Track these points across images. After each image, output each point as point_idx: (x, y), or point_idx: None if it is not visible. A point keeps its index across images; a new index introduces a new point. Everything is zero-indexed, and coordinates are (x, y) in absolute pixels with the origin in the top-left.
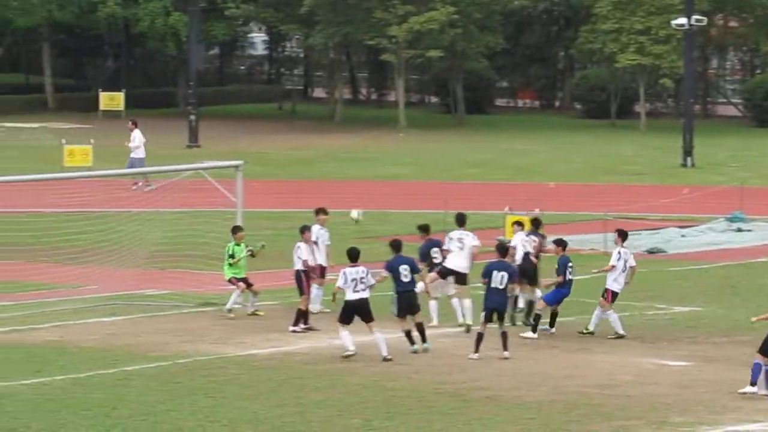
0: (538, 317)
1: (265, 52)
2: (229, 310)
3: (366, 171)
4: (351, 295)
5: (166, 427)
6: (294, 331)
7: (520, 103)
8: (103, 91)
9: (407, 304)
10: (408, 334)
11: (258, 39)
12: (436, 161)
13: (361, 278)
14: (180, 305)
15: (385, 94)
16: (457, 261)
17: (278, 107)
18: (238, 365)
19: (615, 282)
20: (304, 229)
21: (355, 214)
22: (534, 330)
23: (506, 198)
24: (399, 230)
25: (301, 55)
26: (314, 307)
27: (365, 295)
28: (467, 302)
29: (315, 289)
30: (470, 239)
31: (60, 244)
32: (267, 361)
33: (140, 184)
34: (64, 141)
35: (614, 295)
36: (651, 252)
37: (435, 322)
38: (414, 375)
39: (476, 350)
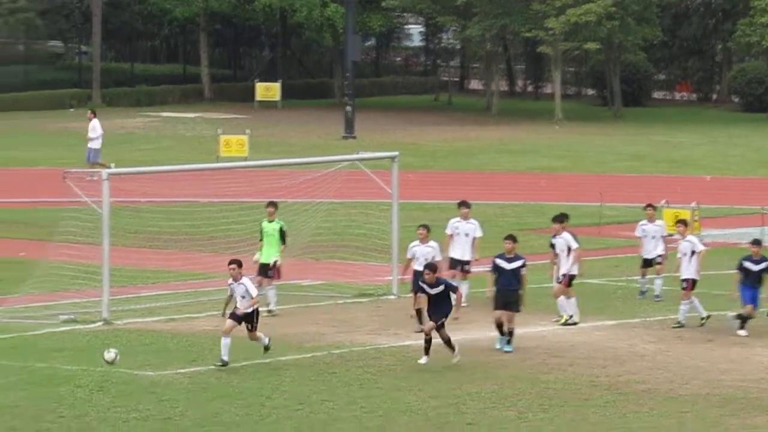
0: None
1: (422, 44)
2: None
3: (522, 163)
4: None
5: (321, 417)
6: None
7: (677, 96)
8: (259, 81)
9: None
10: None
11: (414, 30)
12: (592, 154)
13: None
14: (335, 296)
15: (542, 86)
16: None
17: (434, 98)
18: (393, 356)
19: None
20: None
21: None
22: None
23: (662, 192)
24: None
25: (458, 47)
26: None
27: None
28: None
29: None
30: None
31: (216, 234)
32: (422, 352)
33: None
34: (220, 131)
35: (695, 283)
36: None
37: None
38: (569, 367)
39: None
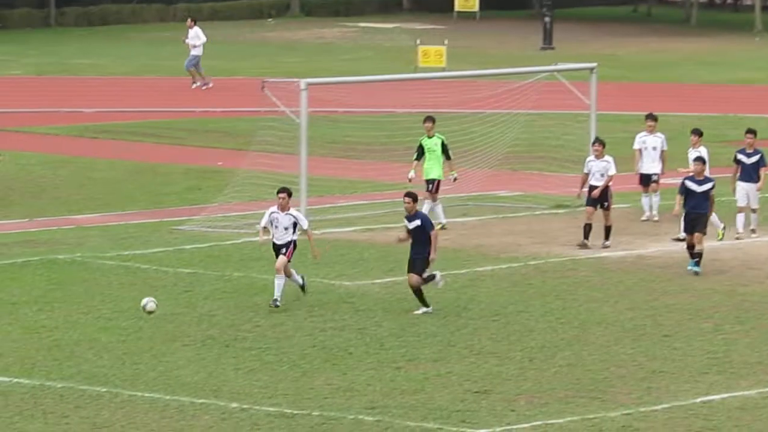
0: None
1: None
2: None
3: (720, 75)
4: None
5: (517, 327)
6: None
7: None
8: None
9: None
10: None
11: None
12: None
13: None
14: (532, 207)
15: None
16: None
17: (633, 10)
18: (589, 267)
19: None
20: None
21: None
22: None
23: None
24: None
25: None
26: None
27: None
28: None
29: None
30: None
31: (412, 144)
32: (618, 264)
33: (199, 83)
34: (418, 41)
35: None
36: None
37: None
38: (766, 280)
39: None
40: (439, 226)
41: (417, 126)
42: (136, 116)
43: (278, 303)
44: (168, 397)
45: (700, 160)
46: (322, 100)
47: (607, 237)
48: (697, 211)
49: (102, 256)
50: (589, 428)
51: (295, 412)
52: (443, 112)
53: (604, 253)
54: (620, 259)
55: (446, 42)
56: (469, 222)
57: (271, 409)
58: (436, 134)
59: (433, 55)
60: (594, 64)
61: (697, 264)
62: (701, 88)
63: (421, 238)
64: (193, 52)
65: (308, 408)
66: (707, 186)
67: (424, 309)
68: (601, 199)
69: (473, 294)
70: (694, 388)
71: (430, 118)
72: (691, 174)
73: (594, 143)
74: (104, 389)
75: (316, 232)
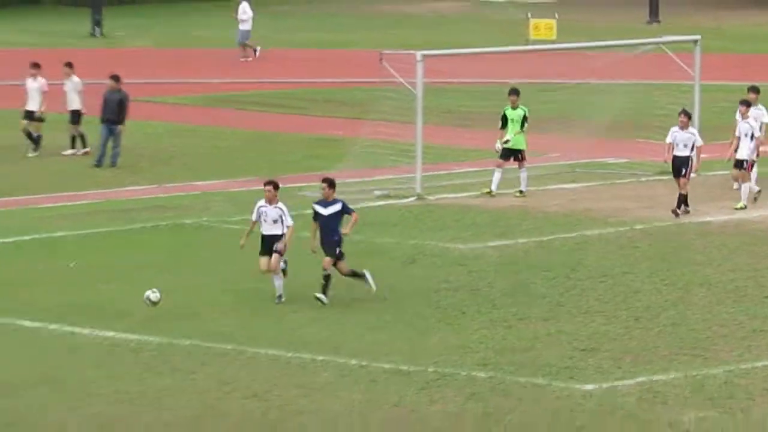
0: None
1: None
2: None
3: None
4: None
5: (622, 289)
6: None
7: None
8: None
9: None
10: None
11: None
12: None
13: None
14: (638, 174)
15: None
16: None
17: None
18: (693, 231)
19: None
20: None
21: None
22: None
23: None
24: None
25: None
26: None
27: None
28: None
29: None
30: None
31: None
32: (721, 228)
33: (250, 57)
34: (529, 15)
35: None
36: None
37: None
38: None
39: None
40: (522, 191)
41: (529, 96)
42: (259, 86)
43: (282, 298)
44: (290, 354)
45: None
46: (437, 71)
47: (678, 206)
48: None
49: (227, 220)
50: (692, 384)
51: (411, 368)
52: (553, 82)
53: (708, 218)
54: (723, 224)
55: (556, 15)
56: (577, 188)
57: (387, 365)
58: (520, 106)
59: (543, 27)
60: (698, 37)
61: None
62: None
63: (334, 224)
64: (242, 27)
65: (423, 365)
66: None
67: (321, 295)
68: (682, 166)
69: (581, 257)
70: None
71: (514, 91)
72: None
73: (680, 114)
74: (229, 347)
75: (430, 197)
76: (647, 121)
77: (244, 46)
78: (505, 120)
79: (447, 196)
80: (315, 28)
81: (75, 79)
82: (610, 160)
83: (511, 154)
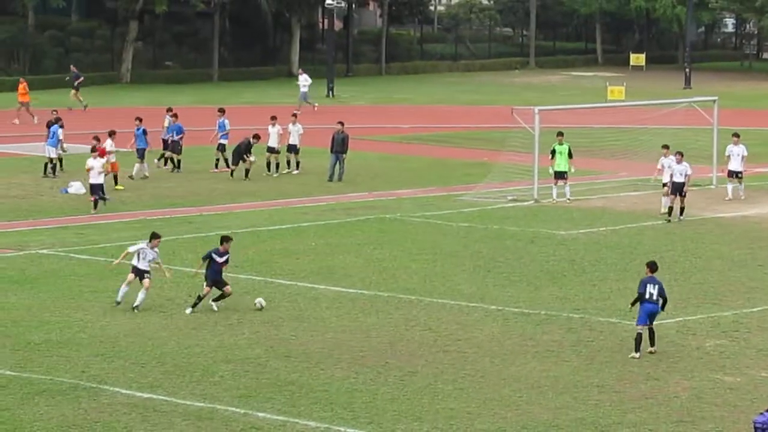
0: None
1: (733, 30)
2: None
3: None
4: None
5: (667, 260)
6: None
7: None
8: (632, 53)
9: None
10: None
11: (729, 21)
12: None
13: None
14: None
15: None
16: None
17: (740, 64)
18: (712, 223)
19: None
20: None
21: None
22: None
23: None
24: None
25: (755, 31)
26: None
27: None
28: None
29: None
30: None
31: (605, 147)
32: (730, 220)
33: (308, 106)
34: (607, 83)
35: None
36: None
37: None
38: None
39: None
40: (569, 199)
41: (605, 135)
42: (434, 129)
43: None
44: (452, 302)
45: None
46: (547, 119)
47: (680, 213)
48: None
49: (412, 215)
50: (711, 322)
51: (531, 311)
52: (624, 127)
53: (720, 214)
54: (731, 218)
55: (625, 84)
56: (639, 195)
57: (515, 309)
58: (564, 142)
59: (616, 92)
60: (715, 97)
61: None
62: None
63: (221, 268)
64: (302, 89)
65: (538, 309)
66: None
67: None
68: (681, 189)
69: (640, 239)
70: None
71: (560, 133)
72: None
73: (676, 154)
74: (413, 297)
75: (543, 201)
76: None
77: (306, 102)
78: (553, 152)
79: (552, 200)
80: (472, 92)
81: (299, 125)
82: (658, 177)
83: (560, 175)
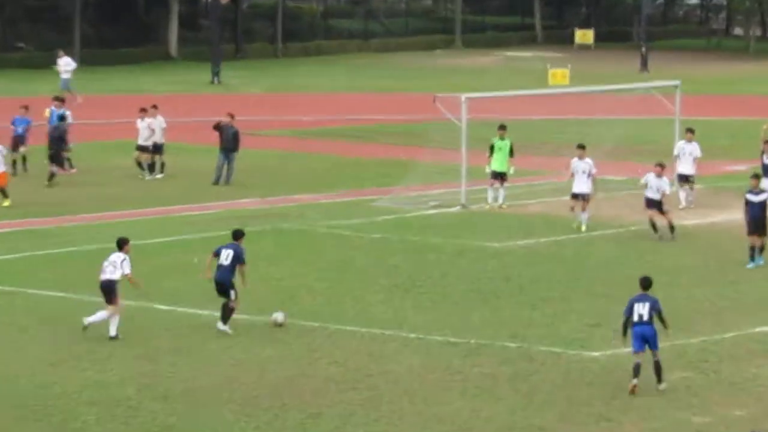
0: None
1: (698, 1)
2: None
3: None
4: None
5: (620, 275)
6: None
7: None
8: (578, 29)
9: None
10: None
11: None
12: None
13: None
14: (631, 188)
15: None
16: None
17: (706, 42)
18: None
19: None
20: None
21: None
22: None
23: None
24: None
25: (724, 3)
26: None
27: None
28: None
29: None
30: None
31: (546, 140)
32: (695, 229)
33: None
34: (548, 66)
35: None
36: None
37: None
38: None
39: None
40: (502, 205)
41: (547, 128)
42: (341, 122)
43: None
44: (364, 330)
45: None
46: (477, 109)
47: (671, 231)
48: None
49: (316, 225)
50: (674, 350)
51: (458, 340)
52: (569, 117)
53: (683, 221)
54: (696, 226)
55: (569, 66)
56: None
57: (439, 338)
58: (507, 137)
59: (559, 76)
60: (677, 82)
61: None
62: (760, 99)
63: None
64: (63, 76)
65: (467, 337)
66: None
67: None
68: (659, 207)
69: (589, 251)
70: (753, 319)
71: (503, 126)
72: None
73: (656, 165)
74: (317, 324)
75: (472, 206)
76: (638, 147)
77: (68, 92)
78: (492, 148)
79: (484, 206)
80: (386, 77)
81: (160, 118)
82: (610, 177)
83: (497, 176)
